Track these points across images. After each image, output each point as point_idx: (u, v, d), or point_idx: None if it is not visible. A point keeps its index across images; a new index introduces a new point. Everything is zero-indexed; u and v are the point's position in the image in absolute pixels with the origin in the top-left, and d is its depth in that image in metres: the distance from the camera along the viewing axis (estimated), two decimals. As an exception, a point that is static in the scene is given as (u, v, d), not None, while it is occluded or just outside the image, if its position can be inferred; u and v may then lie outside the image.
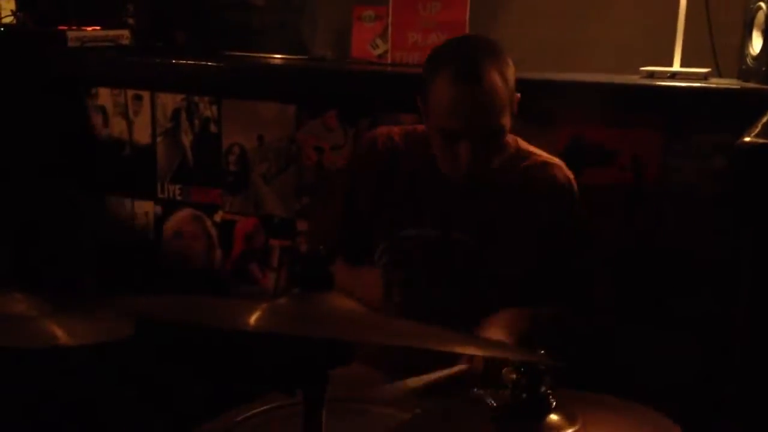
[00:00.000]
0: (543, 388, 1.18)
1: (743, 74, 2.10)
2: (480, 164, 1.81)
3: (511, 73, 1.81)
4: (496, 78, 1.74)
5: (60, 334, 1.60)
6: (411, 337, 1.09)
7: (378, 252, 1.96)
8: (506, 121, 1.79)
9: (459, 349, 1.17)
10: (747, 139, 0.97)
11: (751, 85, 2.04)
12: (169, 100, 2.64)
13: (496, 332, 1.72)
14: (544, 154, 1.95)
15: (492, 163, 1.86)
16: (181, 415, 2.70)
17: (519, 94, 1.85)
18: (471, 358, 1.69)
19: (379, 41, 2.49)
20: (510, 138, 1.94)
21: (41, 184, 2.84)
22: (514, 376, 1.19)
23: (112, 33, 2.72)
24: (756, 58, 2.03)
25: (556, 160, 1.94)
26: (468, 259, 1.88)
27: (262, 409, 1.47)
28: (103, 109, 2.72)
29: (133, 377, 2.76)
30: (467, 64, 1.75)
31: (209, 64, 2.51)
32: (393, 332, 1.11)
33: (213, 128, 2.59)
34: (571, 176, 1.92)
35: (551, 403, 1.18)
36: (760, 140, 0.97)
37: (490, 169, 1.87)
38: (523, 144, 1.96)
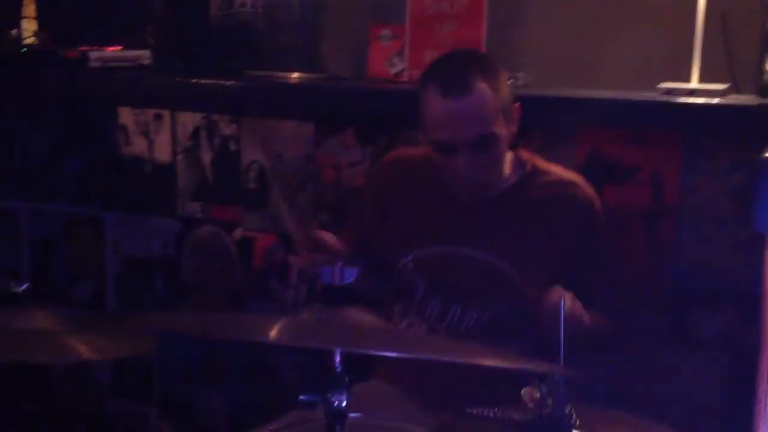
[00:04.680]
0: (567, 407, 1.18)
1: (762, 90, 2.09)
2: (480, 174, 1.82)
3: (503, 82, 1.83)
4: (484, 87, 1.77)
5: (83, 349, 1.62)
6: (428, 350, 1.10)
7: (398, 269, 1.96)
8: (499, 129, 1.80)
9: (477, 361, 1.17)
10: (767, 155, 0.97)
11: (769, 101, 2.03)
12: (189, 119, 2.66)
13: (560, 291, 1.67)
14: (562, 172, 1.95)
15: (494, 172, 1.87)
16: None
17: (518, 104, 1.86)
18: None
19: (396, 60, 2.50)
20: (526, 155, 1.95)
21: (63, 201, 2.87)
22: (537, 394, 1.20)
23: (132, 54, 2.75)
24: (774, 75, 2.03)
25: (576, 178, 1.94)
26: (486, 278, 1.88)
27: (283, 424, 1.48)
28: (124, 129, 2.75)
29: (154, 393, 2.78)
30: (453, 77, 1.79)
31: (228, 83, 2.54)
32: (411, 345, 1.12)
33: (232, 146, 2.62)
34: (592, 194, 1.92)
35: (574, 421, 1.18)
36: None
37: (496, 181, 1.88)
38: (541, 163, 1.96)
